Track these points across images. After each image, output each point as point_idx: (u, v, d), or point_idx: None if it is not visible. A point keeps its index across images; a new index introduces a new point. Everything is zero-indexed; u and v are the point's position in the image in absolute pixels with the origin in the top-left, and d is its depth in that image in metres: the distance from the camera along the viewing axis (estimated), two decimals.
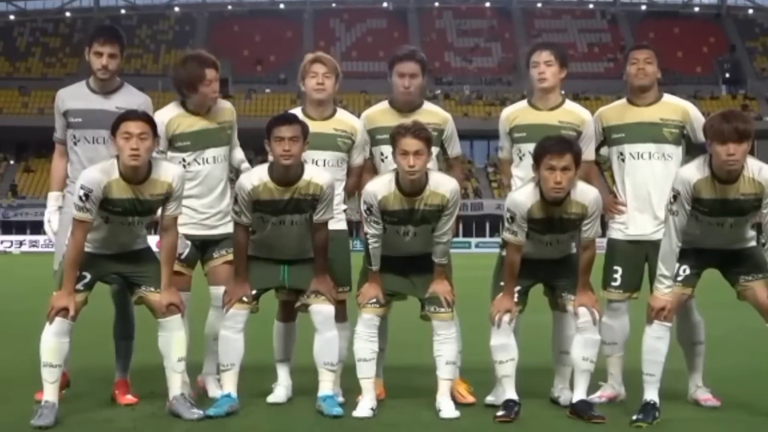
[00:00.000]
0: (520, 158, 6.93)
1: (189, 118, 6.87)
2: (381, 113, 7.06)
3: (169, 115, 6.87)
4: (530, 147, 6.74)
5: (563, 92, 7.13)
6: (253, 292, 6.51)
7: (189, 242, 6.82)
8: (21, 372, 7.68)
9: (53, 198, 6.96)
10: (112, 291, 6.85)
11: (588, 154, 6.79)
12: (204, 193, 6.85)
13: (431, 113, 7.05)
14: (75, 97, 6.94)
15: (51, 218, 6.90)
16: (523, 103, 7.06)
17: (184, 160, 6.82)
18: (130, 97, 6.92)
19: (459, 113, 57.57)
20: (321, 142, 6.74)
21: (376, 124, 6.97)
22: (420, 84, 6.94)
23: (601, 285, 6.84)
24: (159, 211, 6.42)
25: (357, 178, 7.01)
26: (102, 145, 6.77)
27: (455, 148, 7.12)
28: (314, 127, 6.65)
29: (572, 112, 6.96)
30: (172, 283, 6.40)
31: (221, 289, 6.71)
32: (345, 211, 7.03)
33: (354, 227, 7.42)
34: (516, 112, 7.02)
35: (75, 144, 6.87)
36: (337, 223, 6.84)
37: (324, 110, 6.96)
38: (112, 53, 6.83)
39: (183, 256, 6.77)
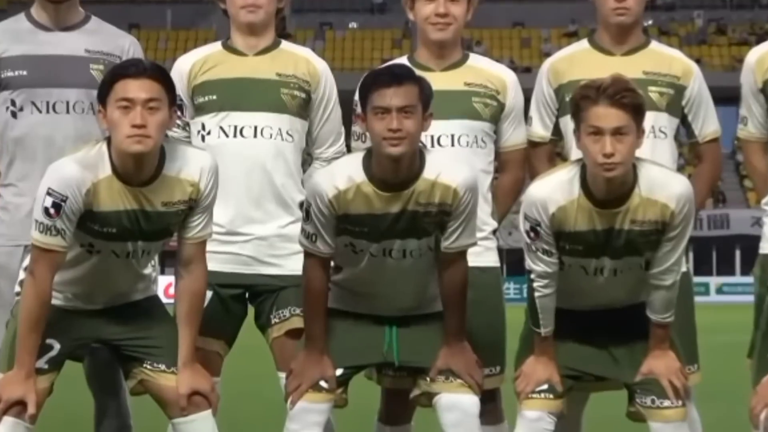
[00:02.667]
0: None
1: (227, 60, 6.99)
2: (575, 59, 7.17)
3: (195, 57, 7.01)
4: None
5: None
6: (338, 372, 6.60)
7: (209, 292, 6.81)
8: None
9: None
10: (86, 370, 7.04)
11: None
12: (238, 195, 6.86)
13: (663, 57, 7.17)
14: (12, 37, 7.06)
15: None
16: None
17: (203, 127, 6.93)
18: (108, 36, 7.09)
19: None
20: (446, 106, 6.85)
21: (567, 78, 7.07)
22: None
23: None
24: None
25: (516, 172, 7.15)
26: (65, 115, 6.95)
27: (709, 124, 7.20)
28: (434, 82, 6.71)
29: None
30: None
31: None
32: (494, 232, 7.12)
33: (505, 258, 7.49)
34: None
35: (15, 115, 6.98)
36: (482, 255, 6.94)
37: (448, 57, 7.12)
38: None
39: None
